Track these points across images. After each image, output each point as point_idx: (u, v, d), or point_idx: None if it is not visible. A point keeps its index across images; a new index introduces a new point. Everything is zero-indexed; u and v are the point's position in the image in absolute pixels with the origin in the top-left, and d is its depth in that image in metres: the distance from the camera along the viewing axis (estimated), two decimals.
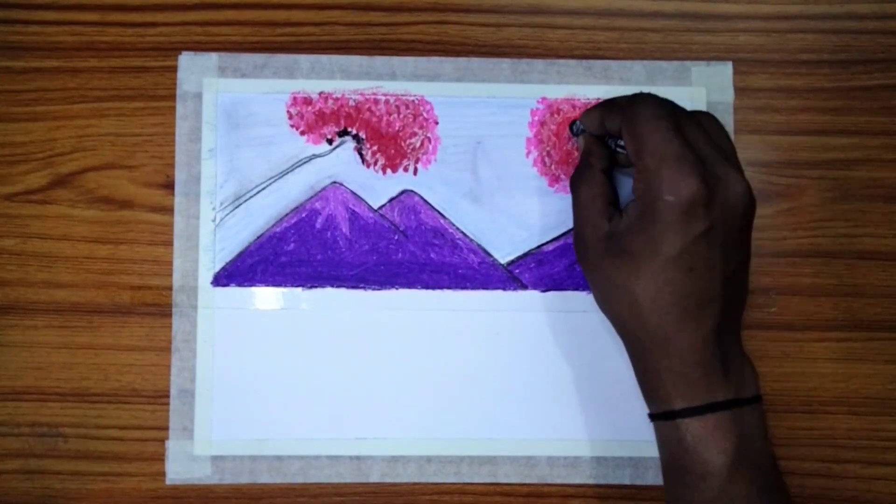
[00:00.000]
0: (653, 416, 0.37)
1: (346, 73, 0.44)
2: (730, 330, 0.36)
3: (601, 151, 0.40)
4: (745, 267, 0.37)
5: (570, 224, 0.44)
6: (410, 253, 0.43)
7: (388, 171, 0.44)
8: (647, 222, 0.35)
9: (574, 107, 0.44)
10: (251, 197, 0.43)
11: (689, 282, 0.34)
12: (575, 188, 0.39)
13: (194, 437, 0.42)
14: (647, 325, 0.35)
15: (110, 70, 0.44)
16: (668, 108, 0.36)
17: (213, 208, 0.43)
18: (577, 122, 0.42)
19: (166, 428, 0.42)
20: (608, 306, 0.37)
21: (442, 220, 0.43)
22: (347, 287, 0.43)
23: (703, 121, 0.37)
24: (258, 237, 0.43)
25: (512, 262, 0.43)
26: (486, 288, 0.43)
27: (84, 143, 0.43)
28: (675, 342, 0.35)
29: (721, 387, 0.35)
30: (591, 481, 0.42)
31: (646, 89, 0.44)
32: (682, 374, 0.35)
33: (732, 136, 0.44)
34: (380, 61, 0.44)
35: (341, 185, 0.43)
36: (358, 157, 0.44)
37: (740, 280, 0.36)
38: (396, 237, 0.43)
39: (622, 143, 0.39)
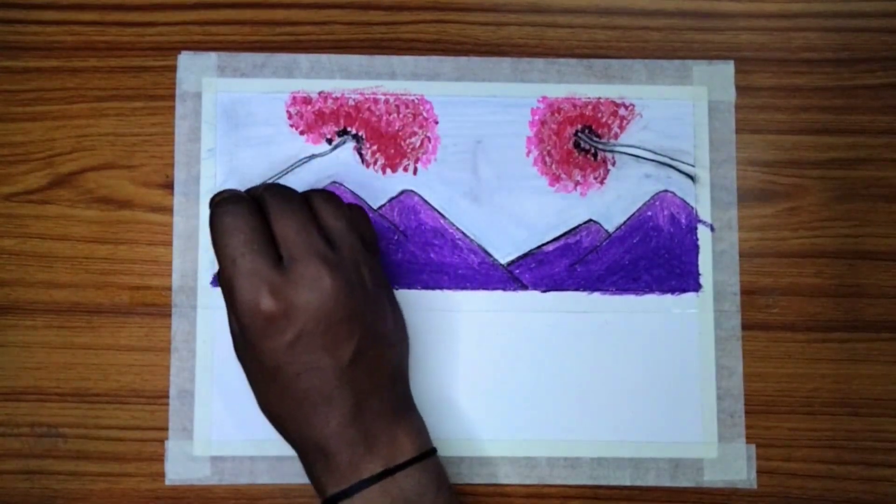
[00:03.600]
0: None
1: (345, 73, 0.44)
2: (371, 406, 0.35)
3: None
4: (369, 345, 0.35)
5: (570, 224, 0.43)
6: (410, 253, 0.43)
7: (388, 170, 0.44)
8: (244, 337, 0.35)
9: (575, 106, 0.44)
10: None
11: (301, 385, 0.34)
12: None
13: (194, 438, 0.42)
14: (287, 431, 0.36)
15: (109, 70, 0.44)
16: (247, 209, 0.34)
17: None
18: None
19: (166, 428, 0.42)
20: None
21: (442, 221, 0.43)
22: None
23: (316, 201, 0.36)
24: None
25: (512, 263, 0.43)
26: (486, 288, 0.43)
27: (83, 143, 0.43)
28: (312, 439, 0.35)
29: (367, 463, 0.34)
30: (590, 482, 0.42)
31: (647, 88, 0.44)
32: (328, 463, 0.35)
33: (734, 135, 0.44)
34: (379, 61, 0.44)
35: (341, 185, 0.43)
36: (357, 156, 0.44)
37: (369, 358, 0.35)
38: (396, 237, 0.43)
39: None
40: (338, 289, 0.34)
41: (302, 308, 0.33)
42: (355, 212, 0.37)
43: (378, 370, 0.36)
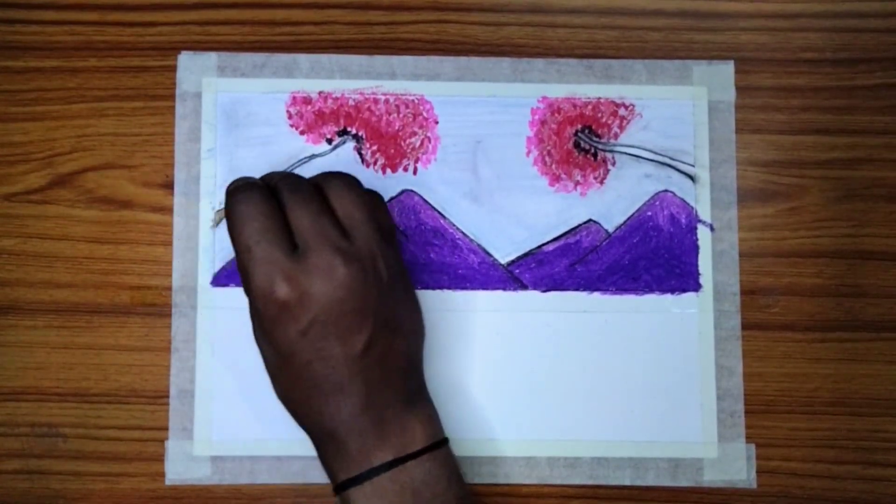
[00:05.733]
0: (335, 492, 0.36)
1: (345, 73, 0.44)
2: (383, 395, 0.35)
3: None
4: (382, 336, 0.35)
5: (570, 224, 0.43)
6: (410, 253, 0.43)
7: (388, 170, 0.44)
8: (259, 323, 0.35)
9: (575, 106, 0.44)
10: None
11: (313, 373, 0.34)
12: None
13: (194, 438, 0.42)
14: (300, 417, 0.36)
15: (109, 70, 0.44)
16: (261, 197, 0.34)
17: (213, 208, 0.43)
18: None
19: (166, 428, 0.42)
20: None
21: (442, 220, 0.43)
22: None
23: (331, 189, 0.35)
24: None
25: (512, 262, 0.43)
26: (486, 288, 0.43)
27: (83, 143, 0.43)
28: (324, 426, 0.35)
29: (378, 451, 0.35)
30: (590, 482, 0.42)
31: (647, 88, 0.44)
32: (340, 450, 0.35)
33: (734, 135, 0.44)
34: (379, 61, 0.44)
35: None
36: (357, 156, 0.44)
37: (381, 348, 0.35)
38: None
39: None
40: (351, 279, 0.34)
41: (315, 297, 0.33)
42: (373, 199, 0.37)
43: (390, 361, 0.36)
